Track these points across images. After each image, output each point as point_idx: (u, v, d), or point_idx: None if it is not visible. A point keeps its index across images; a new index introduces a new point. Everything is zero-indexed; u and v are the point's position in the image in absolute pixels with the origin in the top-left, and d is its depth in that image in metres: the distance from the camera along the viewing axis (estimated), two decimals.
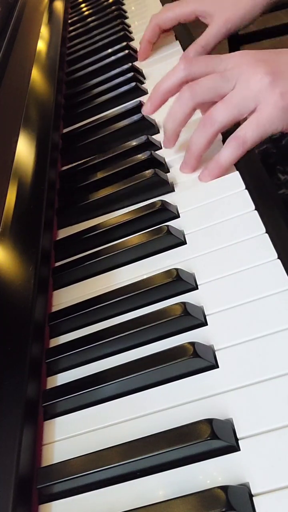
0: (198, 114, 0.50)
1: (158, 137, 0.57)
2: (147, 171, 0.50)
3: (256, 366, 0.34)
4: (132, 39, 0.80)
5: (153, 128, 0.59)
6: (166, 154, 0.54)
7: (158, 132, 0.59)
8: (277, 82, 0.43)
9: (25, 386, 0.36)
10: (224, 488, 0.28)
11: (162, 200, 0.47)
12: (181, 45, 0.71)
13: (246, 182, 0.46)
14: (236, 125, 0.46)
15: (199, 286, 0.40)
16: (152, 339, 0.39)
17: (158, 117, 0.59)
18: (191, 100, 0.47)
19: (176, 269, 0.40)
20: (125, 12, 0.89)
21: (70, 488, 0.34)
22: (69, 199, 0.57)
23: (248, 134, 0.43)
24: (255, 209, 0.43)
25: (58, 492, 0.34)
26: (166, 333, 0.38)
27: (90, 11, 0.94)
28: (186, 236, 0.45)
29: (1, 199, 0.47)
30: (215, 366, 0.35)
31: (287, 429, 0.30)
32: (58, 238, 0.54)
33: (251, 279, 0.38)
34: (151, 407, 0.35)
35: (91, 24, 0.89)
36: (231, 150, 0.45)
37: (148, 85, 0.68)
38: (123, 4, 0.91)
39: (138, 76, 0.68)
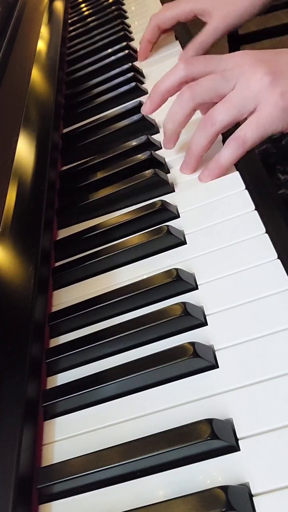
0: (198, 114, 0.50)
1: (158, 137, 0.57)
2: (147, 171, 0.50)
3: (256, 366, 0.34)
4: (132, 39, 0.80)
5: (153, 128, 0.59)
6: (166, 154, 0.54)
7: (158, 132, 0.59)
8: (277, 82, 0.43)
9: (25, 386, 0.36)
10: (224, 488, 0.28)
11: (162, 200, 0.47)
12: (181, 45, 0.71)
13: (246, 182, 0.46)
14: (236, 125, 0.46)
15: (199, 286, 0.40)
16: (152, 339, 0.39)
17: (158, 117, 0.59)
18: (191, 101, 0.47)
19: (176, 269, 0.40)
20: (125, 12, 0.89)
21: (70, 488, 0.34)
22: (69, 199, 0.57)
23: (248, 134, 0.43)
24: (255, 209, 0.43)
25: (58, 492, 0.34)
26: (166, 333, 0.38)
27: (90, 11, 0.94)
28: (186, 236, 0.45)
29: (1, 199, 0.47)
30: (215, 366, 0.35)
31: (287, 429, 0.30)
32: (58, 238, 0.54)
33: (251, 279, 0.38)
34: (151, 407, 0.35)
35: (91, 24, 0.89)
36: (231, 151, 0.45)
37: (148, 85, 0.68)
38: (123, 4, 0.91)
39: (138, 76, 0.69)
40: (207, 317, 0.38)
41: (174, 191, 0.50)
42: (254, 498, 0.28)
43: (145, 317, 0.39)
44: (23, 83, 0.64)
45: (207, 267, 0.41)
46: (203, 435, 0.30)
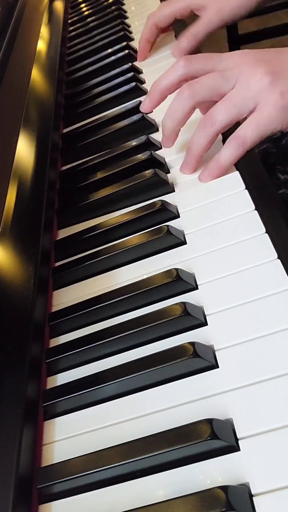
0: (197, 113, 0.50)
1: (157, 136, 0.57)
2: (147, 171, 0.50)
3: (256, 366, 0.34)
4: (132, 39, 0.80)
5: (153, 128, 0.59)
6: (166, 154, 0.54)
7: (157, 130, 0.59)
8: (277, 81, 0.43)
9: (25, 386, 0.36)
10: (224, 488, 0.28)
11: (162, 200, 0.47)
12: None
13: (246, 182, 0.46)
14: (236, 125, 0.46)
15: (199, 286, 0.40)
16: (152, 339, 0.39)
17: (158, 117, 0.59)
18: (191, 99, 0.47)
19: (176, 269, 0.40)
20: (125, 12, 0.89)
21: (70, 488, 0.34)
22: (69, 199, 0.57)
23: (248, 134, 0.43)
24: (255, 209, 0.43)
25: (58, 492, 0.34)
26: (166, 333, 0.38)
27: (90, 11, 0.94)
28: (186, 236, 0.45)
29: (1, 199, 0.47)
30: (215, 366, 0.35)
31: (287, 429, 0.30)
32: (58, 238, 0.54)
33: (251, 279, 0.38)
34: (151, 407, 0.35)
35: (91, 24, 0.89)
36: (231, 150, 0.45)
37: (148, 85, 0.68)
38: (123, 4, 0.91)
39: (138, 76, 0.69)
40: (207, 317, 0.38)
41: (174, 191, 0.50)
42: (254, 498, 0.28)
43: (145, 317, 0.39)
44: (23, 83, 0.64)
45: (207, 267, 0.41)
46: (203, 435, 0.30)
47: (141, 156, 0.52)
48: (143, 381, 0.36)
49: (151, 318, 0.39)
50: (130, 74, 0.68)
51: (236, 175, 0.46)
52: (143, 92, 0.66)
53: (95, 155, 0.59)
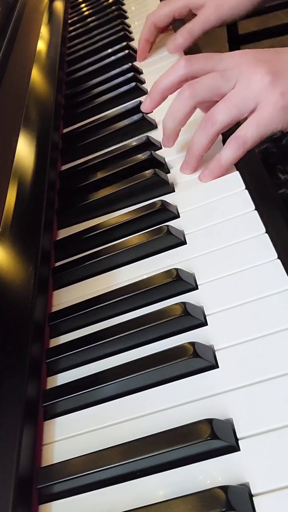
0: (197, 113, 0.50)
1: (157, 135, 0.57)
2: (147, 171, 0.50)
3: (256, 366, 0.34)
4: (132, 39, 0.80)
5: (153, 128, 0.59)
6: (166, 154, 0.54)
7: (156, 127, 0.59)
8: (277, 81, 0.43)
9: (25, 386, 0.36)
10: (224, 488, 0.28)
11: (162, 200, 0.47)
12: None
13: (246, 182, 0.46)
14: (236, 125, 0.46)
15: (199, 286, 0.40)
16: (152, 339, 0.39)
17: (158, 117, 0.59)
18: (192, 99, 0.47)
19: (176, 269, 0.40)
20: (125, 12, 0.89)
21: (70, 488, 0.34)
22: (69, 199, 0.57)
23: (249, 134, 0.43)
24: (255, 209, 0.43)
25: (58, 492, 0.34)
26: (166, 333, 0.38)
27: (90, 11, 0.94)
28: (186, 236, 0.45)
29: (1, 199, 0.47)
30: (215, 366, 0.35)
31: (287, 429, 0.30)
32: (58, 238, 0.54)
33: (251, 279, 0.38)
34: (151, 407, 0.35)
35: (91, 24, 0.89)
36: (232, 150, 0.45)
37: (148, 85, 0.68)
38: (123, 4, 0.91)
39: (138, 76, 0.69)
40: (207, 317, 0.38)
41: (174, 191, 0.50)
42: (254, 498, 0.28)
43: (145, 317, 0.39)
44: (23, 83, 0.64)
45: (207, 267, 0.41)
46: (203, 435, 0.30)
47: (141, 156, 0.53)
48: (143, 381, 0.36)
49: (151, 318, 0.39)
50: (130, 74, 0.68)
51: (236, 175, 0.46)
52: (143, 92, 0.66)
53: (95, 155, 0.59)
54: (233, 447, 0.31)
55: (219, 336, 0.36)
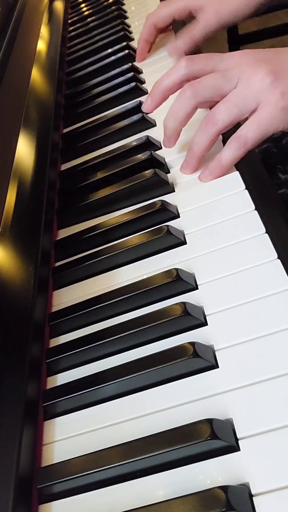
0: (198, 113, 0.50)
1: (156, 133, 0.57)
2: (147, 171, 0.50)
3: (256, 366, 0.34)
4: (132, 39, 0.80)
5: (153, 128, 0.59)
6: (166, 154, 0.54)
7: (155, 125, 0.59)
8: (278, 82, 0.43)
9: (25, 386, 0.36)
10: (224, 488, 0.28)
11: (162, 200, 0.47)
12: None
13: (246, 182, 0.46)
14: (236, 125, 0.46)
15: (199, 286, 0.40)
16: (152, 339, 0.39)
17: (158, 117, 0.59)
18: (193, 99, 0.47)
19: (176, 269, 0.40)
20: (125, 12, 0.89)
21: (70, 488, 0.34)
22: (69, 199, 0.57)
23: (249, 134, 0.43)
24: (255, 209, 0.43)
25: (58, 492, 0.34)
26: (166, 333, 0.38)
27: (90, 11, 0.94)
28: (186, 236, 0.45)
29: (1, 199, 0.47)
30: (215, 366, 0.35)
31: (287, 429, 0.30)
32: (58, 238, 0.54)
33: (251, 279, 0.38)
34: (151, 407, 0.35)
35: (91, 24, 0.89)
36: (233, 150, 0.45)
37: (148, 85, 0.68)
38: (123, 4, 0.91)
39: (138, 76, 0.69)
40: (207, 317, 0.38)
41: (174, 191, 0.50)
42: (254, 498, 0.28)
43: (145, 317, 0.39)
44: (23, 83, 0.64)
45: (207, 267, 0.41)
46: (203, 435, 0.30)
47: (141, 156, 0.53)
48: (143, 381, 0.36)
49: (151, 318, 0.39)
50: (130, 74, 0.68)
51: (236, 175, 0.46)
52: (143, 92, 0.66)
53: (95, 155, 0.59)
54: (233, 447, 0.31)
55: (219, 336, 0.36)
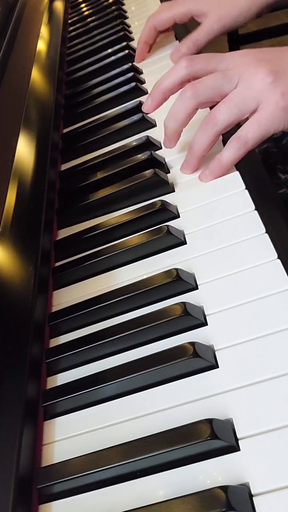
0: (198, 113, 0.50)
1: (156, 132, 0.57)
2: (147, 171, 0.50)
3: (256, 366, 0.34)
4: (132, 39, 0.80)
5: (153, 128, 0.59)
6: (166, 154, 0.54)
7: (155, 125, 0.59)
8: (278, 82, 0.43)
9: (25, 386, 0.36)
10: (224, 488, 0.28)
11: (162, 200, 0.47)
12: None
13: (246, 182, 0.46)
14: (237, 125, 0.46)
15: (199, 286, 0.40)
16: (152, 339, 0.39)
17: (158, 117, 0.59)
18: (193, 99, 0.46)
19: (176, 269, 0.40)
20: (125, 12, 0.89)
21: (70, 488, 0.34)
22: (69, 199, 0.57)
23: (250, 135, 0.43)
24: (255, 209, 0.43)
25: (58, 492, 0.34)
26: (166, 333, 0.38)
27: (90, 11, 0.94)
28: (186, 236, 0.45)
29: (1, 199, 0.47)
30: (215, 366, 0.35)
31: (287, 429, 0.30)
32: (58, 238, 0.54)
33: (251, 279, 0.38)
34: (151, 407, 0.35)
35: (91, 24, 0.89)
36: (233, 151, 0.45)
37: (148, 85, 0.68)
38: (123, 4, 0.91)
39: (138, 76, 0.69)
40: (207, 317, 0.38)
41: (174, 191, 0.50)
42: (254, 498, 0.28)
43: (145, 317, 0.39)
44: (23, 83, 0.64)
45: (207, 267, 0.41)
46: (203, 435, 0.30)
47: (141, 156, 0.53)
48: (143, 381, 0.36)
49: (151, 318, 0.39)
50: (130, 74, 0.68)
51: (236, 175, 0.46)
52: (143, 92, 0.66)
53: (95, 155, 0.59)
54: (233, 447, 0.31)
55: (219, 336, 0.36)
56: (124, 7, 0.90)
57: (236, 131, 0.45)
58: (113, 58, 0.75)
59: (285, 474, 0.29)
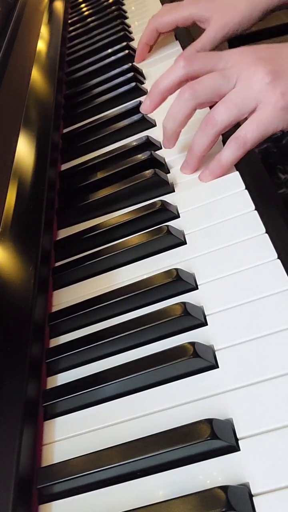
0: (197, 113, 0.50)
1: (156, 133, 0.57)
2: (147, 171, 0.50)
3: (256, 366, 0.34)
4: (132, 39, 0.80)
5: (153, 128, 0.59)
6: (166, 154, 0.54)
7: (155, 125, 0.59)
8: (277, 81, 0.43)
9: (25, 386, 0.36)
10: (224, 488, 0.28)
11: (162, 200, 0.47)
12: (181, 46, 0.71)
13: (246, 182, 0.46)
14: (236, 125, 0.46)
15: (199, 286, 0.40)
16: (152, 339, 0.39)
17: (158, 117, 0.59)
18: (192, 100, 0.46)
19: (176, 269, 0.40)
20: (125, 12, 0.89)
21: (70, 488, 0.34)
22: (69, 199, 0.57)
23: (249, 135, 0.43)
24: (255, 209, 0.43)
25: (58, 492, 0.34)
26: (166, 333, 0.38)
27: (90, 11, 0.94)
28: (186, 236, 0.45)
29: (1, 199, 0.47)
30: (215, 366, 0.35)
31: (287, 429, 0.30)
32: (58, 238, 0.54)
33: (251, 279, 0.38)
34: (151, 407, 0.35)
35: (91, 24, 0.89)
36: (232, 151, 0.45)
37: (148, 85, 0.68)
38: (123, 4, 0.91)
39: (138, 76, 0.69)
40: (207, 317, 0.38)
41: (174, 191, 0.50)
42: (254, 498, 0.28)
43: (145, 317, 0.39)
44: (23, 83, 0.64)
45: (207, 267, 0.41)
46: (203, 435, 0.30)
47: (141, 156, 0.53)
48: (143, 381, 0.36)
49: (151, 318, 0.39)
50: (130, 74, 0.68)
51: (236, 175, 0.46)
52: (143, 92, 0.66)
53: (95, 155, 0.59)
54: (233, 447, 0.31)
55: (219, 336, 0.36)
56: (124, 7, 0.90)
57: (235, 131, 0.45)
58: (113, 58, 0.75)
59: (285, 474, 0.29)
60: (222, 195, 0.46)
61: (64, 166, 0.64)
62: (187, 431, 0.31)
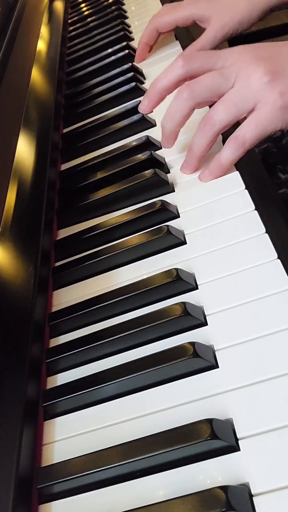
0: (197, 112, 0.50)
1: (156, 133, 0.57)
2: (147, 171, 0.50)
3: (256, 366, 0.34)
4: (132, 39, 0.80)
5: (153, 128, 0.59)
6: (166, 154, 0.54)
7: (155, 125, 0.59)
8: (276, 81, 0.42)
9: (25, 386, 0.36)
10: (224, 488, 0.28)
11: (162, 200, 0.47)
12: (181, 45, 0.71)
13: (246, 182, 0.46)
14: (235, 124, 0.46)
15: (199, 286, 0.40)
16: (152, 339, 0.39)
17: (158, 117, 0.59)
18: (190, 100, 0.46)
19: (176, 269, 0.40)
20: (125, 12, 0.89)
21: (70, 488, 0.34)
22: (69, 199, 0.57)
23: (248, 135, 0.43)
24: (255, 209, 0.43)
25: (58, 492, 0.34)
26: (166, 333, 0.38)
27: (90, 11, 0.94)
28: (186, 236, 0.45)
29: (1, 199, 0.47)
30: (215, 366, 0.35)
31: (287, 429, 0.30)
32: (58, 238, 0.54)
33: (251, 279, 0.38)
34: (151, 407, 0.35)
35: (91, 24, 0.89)
36: (231, 150, 0.45)
37: (148, 85, 0.68)
38: (123, 4, 0.91)
39: (138, 76, 0.69)
40: (207, 317, 0.38)
41: (174, 191, 0.50)
42: (254, 498, 0.28)
43: (145, 317, 0.39)
44: (23, 83, 0.64)
45: (207, 267, 0.41)
46: (203, 435, 0.30)
47: (141, 156, 0.52)
48: (143, 381, 0.36)
49: (151, 318, 0.39)
50: (130, 74, 0.68)
51: (236, 175, 0.46)
52: (143, 92, 0.65)
53: (95, 155, 0.59)
54: (233, 447, 0.31)
55: (219, 336, 0.36)
56: (124, 7, 0.90)
57: (235, 130, 0.45)
58: (113, 58, 0.75)
59: (285, 474, 0.29)
60: (222, 195, 0.46)
61: (64, 166, 0.64)
62: (187, 431, 0.31)
